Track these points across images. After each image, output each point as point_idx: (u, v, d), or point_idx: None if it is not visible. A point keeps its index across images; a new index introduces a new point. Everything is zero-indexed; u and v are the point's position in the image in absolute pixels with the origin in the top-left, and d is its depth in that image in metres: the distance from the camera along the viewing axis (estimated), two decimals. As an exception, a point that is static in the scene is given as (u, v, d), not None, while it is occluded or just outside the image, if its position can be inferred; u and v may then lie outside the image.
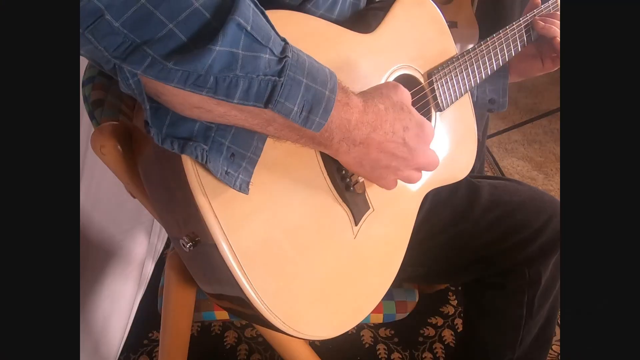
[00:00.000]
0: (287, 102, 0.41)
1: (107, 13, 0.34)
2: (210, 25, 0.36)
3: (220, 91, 0.38)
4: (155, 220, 1.12)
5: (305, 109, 0.42)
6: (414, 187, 0.66)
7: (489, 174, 1.88)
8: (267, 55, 0.39)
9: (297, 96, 0.41)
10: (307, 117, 0.43)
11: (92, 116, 0.61)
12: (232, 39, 0.37)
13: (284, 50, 0.41)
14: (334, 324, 0.56)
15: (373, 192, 0.60)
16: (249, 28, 0.38)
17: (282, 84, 0.40)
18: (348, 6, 0.62)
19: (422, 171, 0.56)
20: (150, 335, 1.21)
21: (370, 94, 0.51)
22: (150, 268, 1.33)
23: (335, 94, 0.45)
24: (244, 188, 0.46)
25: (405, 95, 0.53)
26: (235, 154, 0.45)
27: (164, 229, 1.34)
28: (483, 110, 0.85)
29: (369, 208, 0.59)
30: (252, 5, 0.39)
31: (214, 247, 0.46)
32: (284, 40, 0.42)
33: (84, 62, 0.49)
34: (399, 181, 0.59)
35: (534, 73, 0.81)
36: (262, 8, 0.40)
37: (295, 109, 0.42)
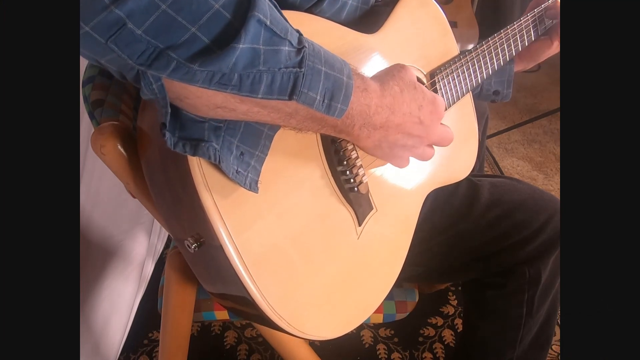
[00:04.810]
0: (310, 92, 0.42)
1: (129, 22, 0.34)
2: (231, 25, 0.37)
3: (245, 88, 0.39)
4: (155, 220, 1.12)
5: (327, 97, 0.43)
6: (415, 187, 0.67)
7: (488, 173, 1.87)
8: (287, 48, 0.40)
9: (318, 85, 0.42)
10: (329, 105, 0.44)
11: (92, 116, 0.61)
12: (253, 35, 0.37)
13: (300, 41, 0.41)
14: (338, 324, 0.56)
15: (376, 193, 0.60)
16: (268, 23, 0.38)
17: (304, 74, 0.41)
18: (354, 10, 0.62)
19: (425, 167, 0.58)
20: (150, 335, 1.21)
21: (384, 77, 0.52)
22: (150, 268, 1.33)
23: (352, 80, 0.45)
24: (253, 187, 0.46)
25: (412, 74, 0.54)
26: (245, 152, 0.46)
27: (164, 229, 1.34)
28: (487, 101, 0.85)
29: (372, 208, 0.60)
30: None
31: (219, 248, 0.46)
32: (297, 31, 0.42)
33: (83, 62, 0.49)
34: (400, 181, 0.58)
35: (545, 55, 0.80)
36: (274, 1, 0.41)
37: (318, 97, 0.42)
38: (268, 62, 0.39)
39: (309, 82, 0.41)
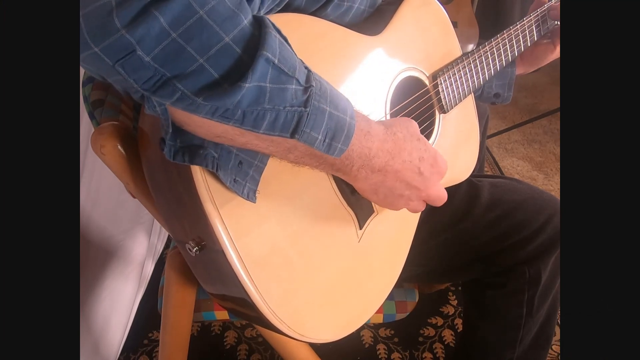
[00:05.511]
0: (313, 132, 0.42)
1: (139, 48, 0.33)
2: (240, 60, 0.36)
3: (247, 123, 0.39)
4: (155, 220, 1.12)
5: (329, 137, 0.43)
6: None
7: (488, 173, 1.87)
8: (294, 86, 0.39)
9: (321, 125, 0.42)
10: (329, 144, 0.44)
11: (92, 116, 0.61)
12: (260, 74, 0.37)
13: (308, 79, 0.41)
14: (339, 327, 0.56)
15: None
16: (276, 61, 0.38)
17: (308, 114, 0.40)
18: (360, 13, 0.62)
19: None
20: (150, 335, 1.21)
21: (390, 122, 0.52)
22: (150, 268, 1.33)
23: (354, 120, 0.45)
24: (251, 196, 0.46)
25: (417, 127, 0.54)
26: (243, 162, 0.45)
27: (164, 229, 1.34)
28: (487, 102, 0.85)
29: (373, 211, 0.59)
30: (277, 35, 0.39)
31: (221, 253, 0.46)
32: (307, 68, 0.42)
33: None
34: None
35: (547, 59, 0.80)
36: (285, 36, 0.40)
37: (320, 137, 0.42)
38: (273, 100, 0.38)
39: (313, 122, 0.41)
